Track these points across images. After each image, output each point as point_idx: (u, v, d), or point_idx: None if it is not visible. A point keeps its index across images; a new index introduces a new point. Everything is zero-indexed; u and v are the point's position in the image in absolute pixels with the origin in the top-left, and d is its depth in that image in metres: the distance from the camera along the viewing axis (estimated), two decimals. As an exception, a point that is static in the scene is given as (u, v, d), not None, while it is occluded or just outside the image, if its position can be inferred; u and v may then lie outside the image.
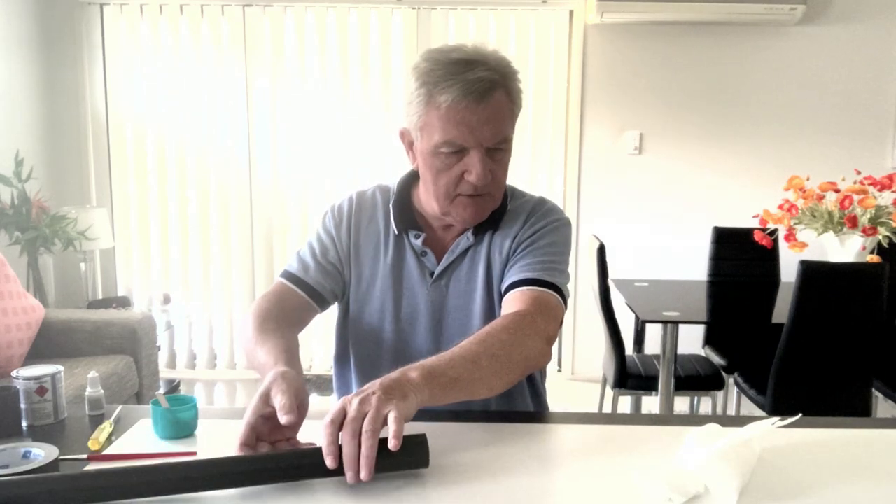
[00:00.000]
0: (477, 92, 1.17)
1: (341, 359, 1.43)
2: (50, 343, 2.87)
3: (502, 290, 1.28)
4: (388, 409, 0.92)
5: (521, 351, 1.14)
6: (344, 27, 3.86)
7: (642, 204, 3.92)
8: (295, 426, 0.99)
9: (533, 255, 1.29)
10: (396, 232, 1.36)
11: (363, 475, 0.89)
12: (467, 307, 1.33)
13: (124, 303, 3.78)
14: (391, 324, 1.35)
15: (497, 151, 1.24)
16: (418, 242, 1.34)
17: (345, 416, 0.92)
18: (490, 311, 1.32)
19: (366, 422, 0.91)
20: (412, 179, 1.41)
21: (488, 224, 1.33)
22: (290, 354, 1.15)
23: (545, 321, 1.20)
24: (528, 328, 1.17)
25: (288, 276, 1.37)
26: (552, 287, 1.25)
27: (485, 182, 1.23)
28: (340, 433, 0.92)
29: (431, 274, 1.34)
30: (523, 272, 1.26)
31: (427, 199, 1.33)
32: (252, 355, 1.20)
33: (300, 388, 1.02)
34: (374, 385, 0.96)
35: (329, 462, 0.90)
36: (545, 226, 1.33)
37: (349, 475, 0.90)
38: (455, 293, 1.34)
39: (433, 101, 1.19)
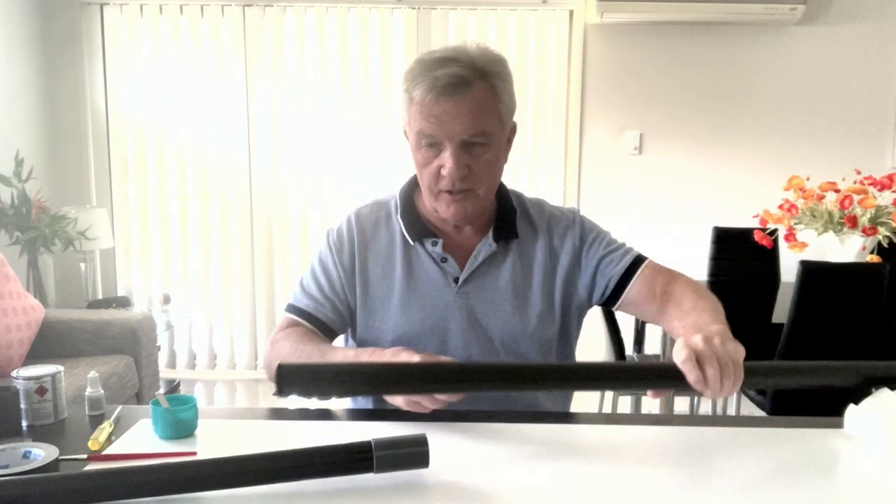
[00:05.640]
0: (444, 87, 1.21)
1: None
2: (50, 343, 2.87)
3: (609, 284, 1.36)
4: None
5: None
6: (344, 27, 3.85)
7: (642, 204, 3.91)
8: None
9: (609, 247, 1.38)
10: (411, 242, 1.35)
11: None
12: (496, 314, 1.32)
13: (124, 303, 3.78)
14: (417, 336, 1.31)
15: (475, 146, 1.25)
16: (437, 249, 1.33)
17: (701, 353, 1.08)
18: (520, 316, 1.32)
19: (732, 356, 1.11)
20: (413, 188, 1.40)
21: (507, 232, 1.35)
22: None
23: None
24: (689, 281, 1.35)
25: (296, 310, 1.36)
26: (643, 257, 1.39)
27: (458, 176, 1.25)
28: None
29: (456, 280, 1.33)
30: (624, 260, 1.37)
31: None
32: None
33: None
34: (711, 331, 1.11)
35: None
36: (585, 225, 1.40)
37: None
38: (483, 300, 1.33)
39: (410, 97, 1.25)
